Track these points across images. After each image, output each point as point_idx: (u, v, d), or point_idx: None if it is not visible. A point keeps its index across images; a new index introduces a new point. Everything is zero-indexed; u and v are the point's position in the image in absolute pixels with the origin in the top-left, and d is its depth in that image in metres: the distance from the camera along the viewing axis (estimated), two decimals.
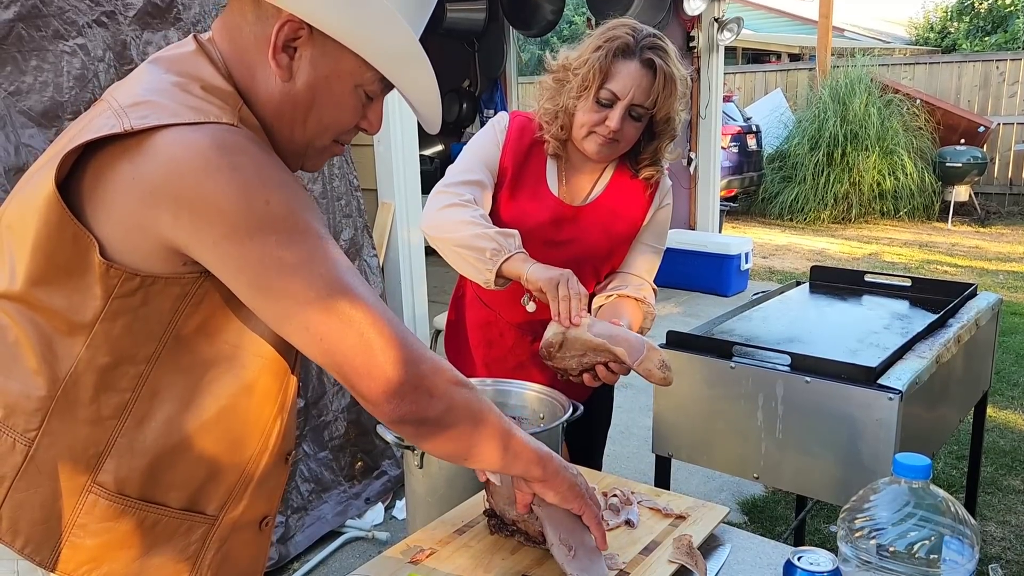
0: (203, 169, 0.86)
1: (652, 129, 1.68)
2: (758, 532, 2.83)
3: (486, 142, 1.76)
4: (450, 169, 1.74)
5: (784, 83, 11.29)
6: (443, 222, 1.63)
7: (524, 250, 1.58)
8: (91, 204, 0.89)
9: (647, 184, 1.75)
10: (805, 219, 9.34)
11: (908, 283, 2.25)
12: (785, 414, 1.62)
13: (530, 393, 1.83)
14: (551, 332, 1.52)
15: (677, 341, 1.78)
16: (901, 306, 2.16)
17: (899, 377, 1.55)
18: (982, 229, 9.05)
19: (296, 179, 0.95)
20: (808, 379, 1.58)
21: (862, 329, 1.93)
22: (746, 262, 6.20)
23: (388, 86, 1.02)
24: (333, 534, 2.83)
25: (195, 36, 1.00)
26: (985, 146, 9.47)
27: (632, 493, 1.39)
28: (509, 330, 1.84)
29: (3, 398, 0.93)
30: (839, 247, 8.08)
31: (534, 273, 1.52)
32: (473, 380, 1.86)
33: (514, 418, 1.87)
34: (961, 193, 9.25)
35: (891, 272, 2.59)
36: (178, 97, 0.91)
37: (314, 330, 0.89)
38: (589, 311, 1.64)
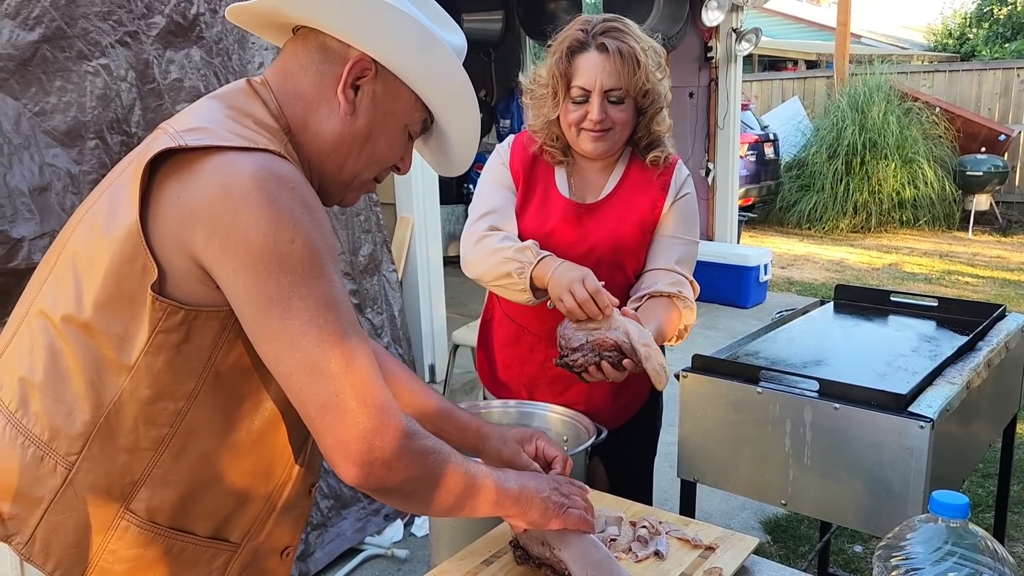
0: (242, 197, 0.89)
1: (638, 107, 1.69)
2: (781, 552, 2.80)
3: (494, 165, 1.81)
4: (472, 206, 1.76)
5: (801, 91, 11.23)
6: (475, 262, 1.69)
7: (545, 253, 1.59)
8: (152, 231, 0.92)
9: (657, 170, 1.75)
10: (824, 228, 9.27)
11: (935, 303, 2.22)
12: (813, 440, 1.60)
13: (553, 415, 1.81)
14: (570, 329, 1.52)
15: (703, 365, 1.76)
16: (928, 327, 2.13)
17: (930, 404, 1.53)
18: (1004, 238, 8.96)
19: (327, 219, 0.96)
20: (837, 405, 1.56)
21: (889, 352, 1.91)
22: (765, 273, 6.16)
23: (425, 130, 1.11)
24: (352, 551, 2.82)
25: (248, 80, 1.05)
26: (1006, 154, 9.38)
27: (660, 523, 1.38)
28: (539, 343, 1.83)
29: (49, 420, 0.95)
30: (858, 257, 8.01)
31: (553, 282, 1.55)
32: (495, 403, 1.86)
33: None
34: (982, 202, 9.16)
35: (917, 292, 2.56)
36: (230, 126, 0.95)
37: (296, 378, 0.91)
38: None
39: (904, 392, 1.52)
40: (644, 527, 1.34)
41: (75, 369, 0.93)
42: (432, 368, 3.86)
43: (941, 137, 9.22)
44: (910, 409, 1.50)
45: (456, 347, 3.68)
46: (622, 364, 1.47)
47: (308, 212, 0.92)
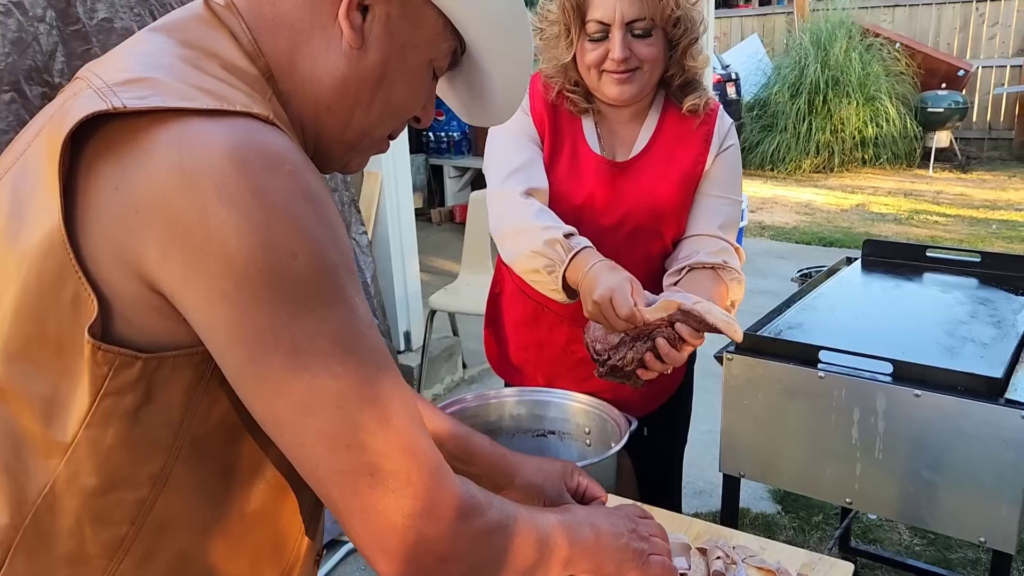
0: (214, 189, 0.59)
1: (668, 39, 1.42)
2: (794, 524, 2.64)
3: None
4: (491, 161, 1.47)
5: (761, 28, 10.98)
6: (504, 240, 1.43)
7: (580, 245, 1.32)
8: (83, 240, 0.62)
9: (697, 119, 1.48)
10: (787, 169, 9.13)
11: (977, 258, 2.02)
12: (887, 431, 1.38)
13: (575, 405, 1.57)
14: (600, 330, 1.27)
15: (750, 345, 1.52)
16: (975, 286, 1.93)
17: None
18: (963, 175, 8.93)
19: (337, 213, 0.67)
20: (918, 392, 1.34)
21: (945, 318, 1.70)
22: (742, 220, 5.96)
23: (454, 63, 0.81)
24: (335, 544, 2.57)
25: (206, 1, 0.72)
26: (964, 90, 9.30)
27: (734, 548, 1.15)
28: (560, 324, 1.58)
29: None
30: (825, 198, 7.90)
31: (583, 290, 1.29)
32: (508, 392, 1.61)
33: (552, 433, 1.62)
34: (942, 139, 9.10)
35: (955, 247, 2.36)
36: (188, 75, 0.65)
37: (310, 450, 0.63)
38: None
39: (998, 376, 1.31)
40: (719, 558, 1.12)
41: None
42: (408, 335, 3.59)
43: (903, 73, 9.09)
44: (1008, 396, 1.30)
45: (433, 312, 3.41)
46: (681, 338, 1.24)
47: (312, 207, 0.63)
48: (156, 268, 0.60)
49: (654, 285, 1.31)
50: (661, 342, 1.24)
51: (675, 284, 1.44)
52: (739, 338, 1.26)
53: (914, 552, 2.53)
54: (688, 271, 1.44)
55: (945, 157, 9.31)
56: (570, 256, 1.30)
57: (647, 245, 1.48)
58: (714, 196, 1.49)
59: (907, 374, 1.37)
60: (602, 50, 1.38)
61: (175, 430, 0.65)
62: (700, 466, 2.65)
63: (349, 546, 2.57)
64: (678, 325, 1.24)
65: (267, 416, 0.64)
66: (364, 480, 0.64)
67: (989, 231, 6.42)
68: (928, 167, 9.08)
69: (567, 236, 1.32)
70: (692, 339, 1.24)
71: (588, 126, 1.48)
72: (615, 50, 1.36)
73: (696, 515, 2.75)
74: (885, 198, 7.80)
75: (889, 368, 1.39)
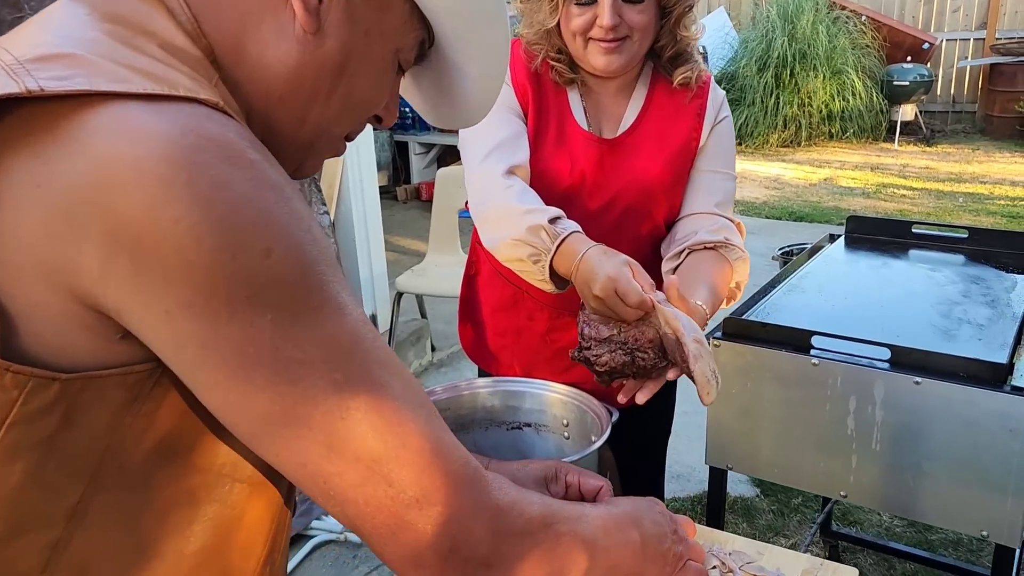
0: (164, 182, 0.49)
1: (661, 6, 1.31)
2: (773, 507, 2.58)
3: None
4: (470, 137, 1.35)
5: (727, 1, 10.88)
6: (485, 225, 1.31)
7: (567, 230, 1.21)
8: None
9: (689, 92, 1.38)
10: (755, 143, 9.10)
11: (964, 234, 1.95)
12: (885, 421, 1.31)
13: (552, 395, 1.47)
14: (595, 318, 1.16)
15: (738, 331, 1.44)
16: (964, 263, 1.86)
17: None
18: (928, 148, 8.97)
19: (305, 204, 0.56)
20: (918, 379, 1.26)
21: (938, 298, 1.62)
22: None
23: (421, 56, 0.73)
24: (300, 538, 2.47)
25: None
26: (929, 63, 9.32)
27: (730, 555, 1.07)
28: (540, 311, 1.47)
29: None
30: (793, 172, 7.88)
31: (579, 280, 1.17)
32: (481, 382, 1.51)
33: (529, 425, 1.53)
34: (907, 112, 9.12)
35: (942, 223, 2.30)
36: (118, 53, 0.54)
37: (316, 468, 0.55)
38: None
39: (1003, 361, 1.24)
40: (715, 567, 1.03)
41: None
42: (374, 318, 3.46)
43: (868, 47, 9.08)
44: (1013, 383, 1.22)
45: (400, 294, 3.29)
46: (659, 367, 1.13)
47: (283, 200, 0.54)
48: (95, 281, 0.50)
49: (645, 268, 1.21)
50: (639, 362, 1.14)
51: (675, 269, 1.34)
52: (709, 401, 1.14)
53: (895, 534, 2.49)
54: (688, 253, 1.34)
55: (910, 130, 9.34)
56: (556, 244, 1.19)
57: (637, 226, 1.38)
58: (710, 172, 1.39)
59: (906, 360, 1.29)
60: (589, 15, 1.26)
61: (98, 457, 0.54)
62: (678, 449, 2.57)
63: (316, 541, 2.47)
64: (675, 353, 1.12)
65: (259, 437, 0.55)
66: (383, 492, 0.56)
67: (956, 204, 6.44)
68: (894, 141, 9.10)
69: (552, 221, 1.21)
70: (645, 379, 1.15)
71: (575, 99, 1.36)
72: (604, 16, 1.24)
73: (674, 500, 2.68)
74: (852, 172, 7.80)
75: (887, 354, 1.31)
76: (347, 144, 0.74)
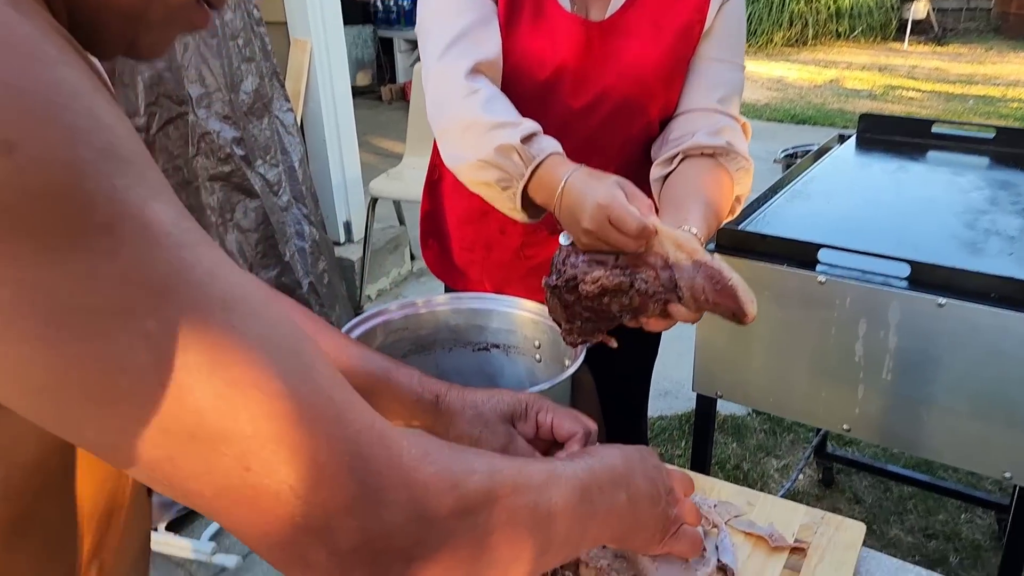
0: None
1: None
2: (764, 426, 2.46)
3: None
4: (426, 24, 1.12)
5: None
6: (445, 138, 1.10)
7: (543, 152, 1.00)
8: None
9: None
10: (758, 42, 8.70)
11: (990, 134, 1.74)
12: (899, 348, 1.14)
13: (523, 314, 1.29)
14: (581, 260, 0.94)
15: (734, 243, 1.25)
16: (990, 166, 1.66)
17: None
18: (939, 48, 8.60)
19: (102, 87, 0.37)
20: (942, 300, 1.09)
21: (962, 206, 1.43)
22: None
23: None
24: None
25: None
26: None
27: (715, 506, 0.91)
28: (513, 223, 1.26)
29: None
30: (798, 73, 7.53)
31: (564, 213, 0.96)
32: (440, 299, 1.33)
33: (497, 347, 1.36)
34: (919, 10, 8.71)
35: (966, 122, 2.08)
36: None
37: (131, 453, 0.39)
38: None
39: None
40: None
41: None
42: (348, 225, 3.27)
43: None
44: None
45: (375, 200, 3.08)
46: (659, 298, 0.92)
47: (37, 67, 0.35)
48: None
49: (633, 174, 1.01)
50: (641, 285, 0.91)
51: (666, 176, 1.14)
52: (751, 319, 0.93)
53: (892, 455, 2.37)
54: (682, 159, 1.13)
55: (921, 29, 8.94)
56: (531, 169, 0.98)
57: (627, 125, 1.17)
58: (715, 60, 1.16)
59: (928, 278, 1.11)
60: None
61: None
62: (665, 364, 2.43)
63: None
64: (694, 279, 0.91)
65: (49, 413, 0.38)
66: (239, 479, 0.40)
67: (966, 107, 6.16)
68: (903, 40, 8.72)
69: (526, 139, 0.99)
70: (689, 311, 0.93)
71: None
72: None
73: (661, 418, 2.56)
74: (859, 73, 7.46)
75: (906, 270, 1.13)
76: (209, 15, 0.53)
